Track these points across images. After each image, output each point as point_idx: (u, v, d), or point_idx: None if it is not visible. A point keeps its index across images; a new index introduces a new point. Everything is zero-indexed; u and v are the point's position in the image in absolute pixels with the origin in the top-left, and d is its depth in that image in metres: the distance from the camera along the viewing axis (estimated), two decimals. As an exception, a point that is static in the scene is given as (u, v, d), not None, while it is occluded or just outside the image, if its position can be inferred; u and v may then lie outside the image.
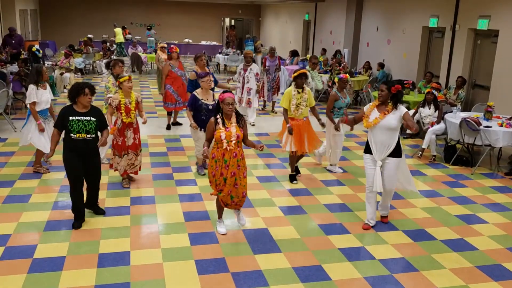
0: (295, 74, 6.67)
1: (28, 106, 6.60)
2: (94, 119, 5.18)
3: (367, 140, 5.40)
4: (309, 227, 5.55)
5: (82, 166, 5.20)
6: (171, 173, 7.16)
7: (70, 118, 5.08)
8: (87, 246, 4.87)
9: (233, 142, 4.87)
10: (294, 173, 7.04)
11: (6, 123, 9.48)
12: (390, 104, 5.22)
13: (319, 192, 6.66)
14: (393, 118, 5.18)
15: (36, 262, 4.54)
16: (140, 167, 6.58)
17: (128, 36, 22.98)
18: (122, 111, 6.15)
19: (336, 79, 7.28)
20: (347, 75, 7.46)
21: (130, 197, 6.20)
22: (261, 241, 5.12)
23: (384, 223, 5.70)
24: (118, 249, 4.83)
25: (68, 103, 5.30)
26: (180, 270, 4.51)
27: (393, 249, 5.08)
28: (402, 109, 5.24)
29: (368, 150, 5.40)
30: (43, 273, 4.36)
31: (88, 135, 5.13)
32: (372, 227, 5.58)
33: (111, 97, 6.30)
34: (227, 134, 4.87)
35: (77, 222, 5.30)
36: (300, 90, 6.67)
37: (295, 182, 6.93)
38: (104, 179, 6.72)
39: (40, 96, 6.55)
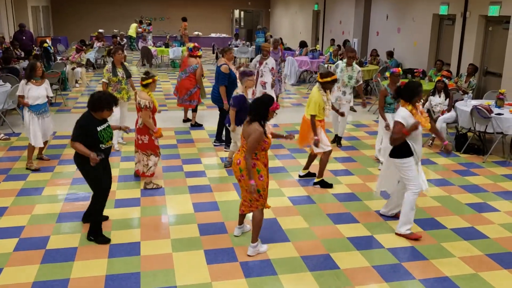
0: (329, 79, 6.19)
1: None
2: (108, 123, 4.94)
3: (404, 145, 4.90)
4: (318, 217, 5.56)
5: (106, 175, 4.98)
6: (181, 165, 7.21)
7: (98, 129, 4.65)
8: (98, 237, 4.95)
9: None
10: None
11: (19, 118, 9.61)
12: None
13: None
14: None
15: (49, 253, 4.63)
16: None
17: (139, 30, 22.79)
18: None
19: (388, 74, 7.03)
20: (399, 68, 7.17)
21: (140, 189, 6.27)
22: (269, 231, 5.14)
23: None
24: (128, 240, 4.90)
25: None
26: (189, 260, 4.56)
27: (402, 238, 5.06)
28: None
29: (409, 153, 4.92)
30: (55, 263, 4.44)
31: (111, 141, 4.90)
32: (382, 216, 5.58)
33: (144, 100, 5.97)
34: (269, 142, 4.60)
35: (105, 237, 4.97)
36: (328, 92, 6.33)
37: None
38: (114, 172, 6.80)
39: (27, 91, 6.69)
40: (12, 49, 13.78)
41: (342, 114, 7.06)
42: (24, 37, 15.44)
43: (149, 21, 22.03)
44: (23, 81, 6.75)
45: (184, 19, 21.20)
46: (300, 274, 4.37)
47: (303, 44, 16.39)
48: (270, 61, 9.91)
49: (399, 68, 7.04)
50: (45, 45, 13.41)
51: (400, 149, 4.94)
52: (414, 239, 5.03)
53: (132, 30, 22.22)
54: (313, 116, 6.20)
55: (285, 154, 7.85)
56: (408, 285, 4.23)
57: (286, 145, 8.36)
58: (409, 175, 4.95)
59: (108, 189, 4.93)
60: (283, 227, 5.27)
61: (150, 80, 6.02)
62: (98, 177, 4.78)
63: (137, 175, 6.49)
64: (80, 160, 4.72)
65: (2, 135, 8.42)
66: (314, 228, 5.27)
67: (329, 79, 6.20)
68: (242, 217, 4.98)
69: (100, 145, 4.67)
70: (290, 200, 6.01)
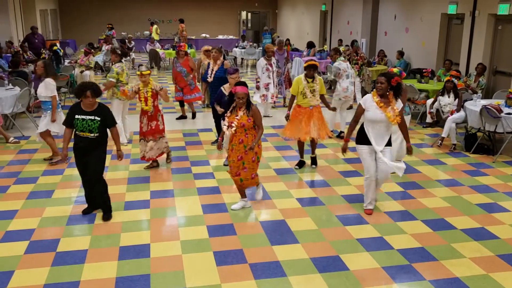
0: (305, 65, 6.93)
1: (51, 98, 7.18)
2: (98, 119, 5.19)
3: (360, 131, 5.50)
4: (327, 218, 5.55)
5: (83, 163, 5.39)
6: (189, 167, 7.23)
7: (76, 116, 5.20)
8: (108, 239, 4.98)
9: (234, 129, 5.43)
10: (303, 160, 7.37)
11: (29, 121, 9.69)
12: (391, 96, 5.33)
13: (336, 183, 6.65)
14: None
15: (59, 255, 4.66)
16: (163, 152, 7.16)
17: (146, 32, 22.91)
18: (142, 99, 6.76)
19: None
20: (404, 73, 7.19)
21: (150, 190, 6.30)
22: (278, 233, 5.14)
23: (369, 215, 5.65)
24: (138, 242, 4.93)
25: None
26: (199, 261, 4.57)
27: (412, 239, 5.04)
28: (399, 104, 5.38)
29: (364, 141, 5.45)
30: (66, 266, 4.47)
31: (91, 134, 5.20)
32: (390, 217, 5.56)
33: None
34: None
35: (86, 209, 5.63)
36: (310, 80, 6.88)
37: (296, 167, 7.27)
38: (123, 174, 6.86)
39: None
40: (22, 52, 13.90)
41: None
42: (36, 40, 15.59)
43: (110, 26, 21.73)
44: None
45: (182, 21, 21.46)
46: (309, 275, 4.36)
47: (310, 45, 16.36)
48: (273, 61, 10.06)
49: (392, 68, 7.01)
50: (55, 48, 13.51)
51: (358, 134, 5.55)
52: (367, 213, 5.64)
53: (154, 32, 22.32)
54: (292, 96, 7.13)
55: (293, 156, 7.84)
56: (418, 286, 4.21)
57: (293, 146, 8.34)
58: (363, 161, 5.52)
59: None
60: (292, 228, 5.27)
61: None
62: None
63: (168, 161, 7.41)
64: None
65: (12, 138, 8.49)
66: (323, 229, 5.26)
67: (305, 64, 7.03)
68: (242, 192, 5.74)
69: (76, 132, 5.28)
70: (299, 202, 6.00)
